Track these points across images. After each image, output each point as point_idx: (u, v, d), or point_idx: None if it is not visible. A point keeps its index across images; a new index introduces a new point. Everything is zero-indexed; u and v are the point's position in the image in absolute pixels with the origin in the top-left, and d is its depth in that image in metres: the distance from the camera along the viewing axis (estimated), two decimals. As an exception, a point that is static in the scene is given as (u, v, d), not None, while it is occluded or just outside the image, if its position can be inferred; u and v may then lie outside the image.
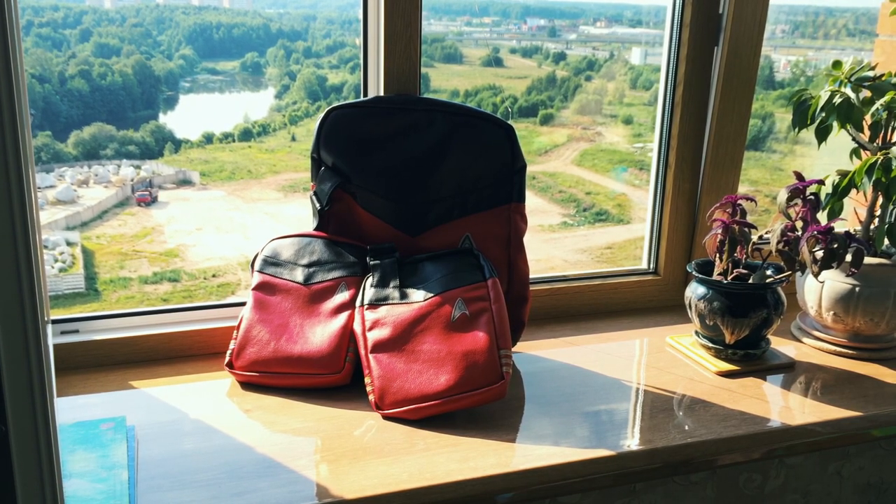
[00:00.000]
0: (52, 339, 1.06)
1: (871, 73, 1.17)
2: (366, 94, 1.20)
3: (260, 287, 1.11)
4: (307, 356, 1.04)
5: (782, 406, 1.08)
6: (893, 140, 1.20)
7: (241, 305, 1.16)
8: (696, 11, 1.31)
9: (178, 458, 0.89)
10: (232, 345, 1.08)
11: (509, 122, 1.12)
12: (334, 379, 1.04)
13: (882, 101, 1.15)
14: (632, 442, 0.96)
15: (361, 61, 1.18)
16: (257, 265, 1.13)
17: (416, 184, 1.12)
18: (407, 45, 1.14)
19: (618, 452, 0.94)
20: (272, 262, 1.12)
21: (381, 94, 1.17)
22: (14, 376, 0.46)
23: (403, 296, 1.06)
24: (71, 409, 1.00)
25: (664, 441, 0.97)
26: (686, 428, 1.00)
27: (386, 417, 0.99)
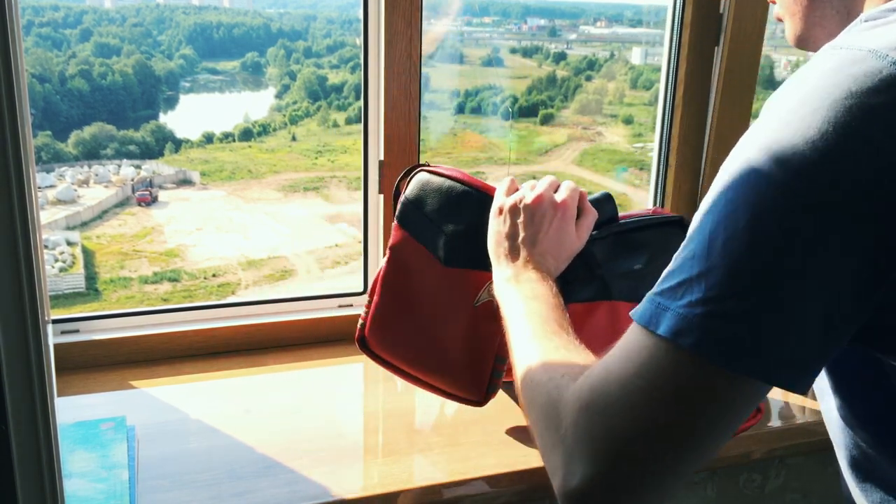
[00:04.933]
0: (52, 338, 1.06)
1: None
2: (366, 94, 1.20)
3: (397, 249, 0.92)
4: (448, 371, 0.94)
5: (782, 406, 1.07)
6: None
7: (241, 305, 1.15)
8: (697, 11, 1.31)
9: (178, 458, 0.89)
10: (364, 314, 0.97)
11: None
12: (472, 404, 0.94)
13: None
14: (632, 442, 0.96)
15: (362, 61, 1.18)
16: (399, 209, 0.91)
17: None
18: (407, 44, 1.14)
19: (618, 452, 0.94)
20: (415, 206, 0.90)
21: (381, 93, 1.16)
22: (14, 376, 0.46)
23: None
24: (71, 409, 0.99)
25: (664, 441, 0.96)
26: (686, 428, 1.00)
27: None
